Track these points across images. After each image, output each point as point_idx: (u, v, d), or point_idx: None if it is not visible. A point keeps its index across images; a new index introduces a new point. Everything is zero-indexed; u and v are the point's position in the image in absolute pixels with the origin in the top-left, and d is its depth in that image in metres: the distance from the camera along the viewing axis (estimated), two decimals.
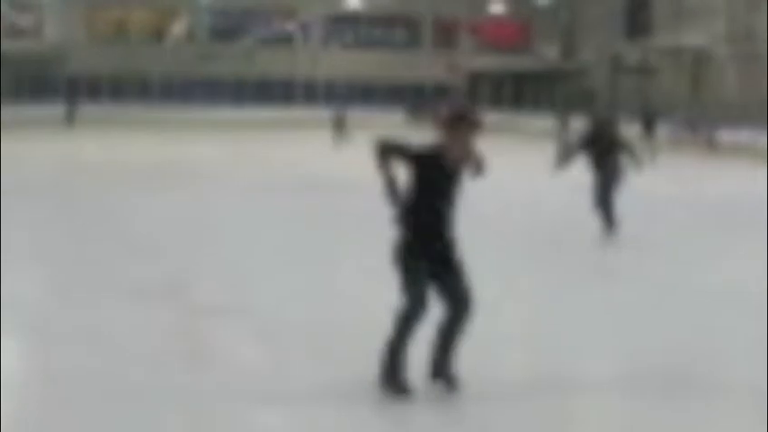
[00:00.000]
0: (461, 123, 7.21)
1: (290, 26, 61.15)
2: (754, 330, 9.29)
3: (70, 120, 48.60)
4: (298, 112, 55.25)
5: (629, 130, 34.33)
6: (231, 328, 9.68)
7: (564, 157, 16.30)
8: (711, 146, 38.68)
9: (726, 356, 8.83)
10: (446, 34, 62.79)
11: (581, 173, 15.98)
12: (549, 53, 62.13)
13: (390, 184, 7.20)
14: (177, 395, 7.50)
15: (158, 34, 59.26)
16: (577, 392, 7.85)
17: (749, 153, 34.94)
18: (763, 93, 40.23)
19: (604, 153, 15.33)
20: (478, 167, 7.31)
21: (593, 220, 15.28)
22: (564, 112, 44.12)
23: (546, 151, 28.12)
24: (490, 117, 41.34)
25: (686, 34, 47.90)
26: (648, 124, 34.18)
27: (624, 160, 15.65)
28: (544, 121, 47.59)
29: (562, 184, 18.61)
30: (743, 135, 37.62)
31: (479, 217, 14.72)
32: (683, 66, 48.78)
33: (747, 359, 8.54)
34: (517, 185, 23.47)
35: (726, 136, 38.52)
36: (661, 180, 25.14)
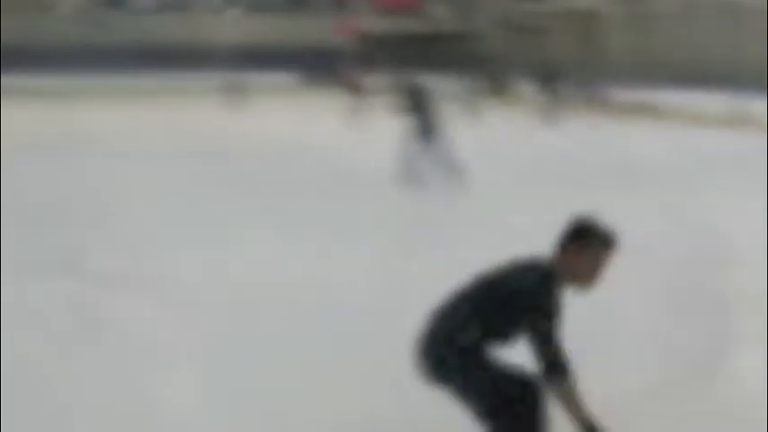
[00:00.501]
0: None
1: None
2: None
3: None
4: (192, 78, 54.57)
5: (527, 91, 34.88)
6: (131, 297, 9.62)
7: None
8: (604, 105, 39.18)
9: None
10: None
11: None
12: (442, 15, 62.14)
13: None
14: (75, 366, 7.46)
15: (51, 4, 58.04)
16: None
17: (641, 111, 35.78)
18: (655, 52, 40.83)
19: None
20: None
21: None
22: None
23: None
24: (386, 79, 41.66)
25: None
26: (549, 84, 34.45)
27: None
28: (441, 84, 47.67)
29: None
30: (635, 94, 38.23)
31: None
32: (576, 26, 49.14)
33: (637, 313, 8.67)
34: None
35: (618, 95, 39.23)
36: (560, 138, 25.63)
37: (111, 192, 17.01)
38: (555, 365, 4.96)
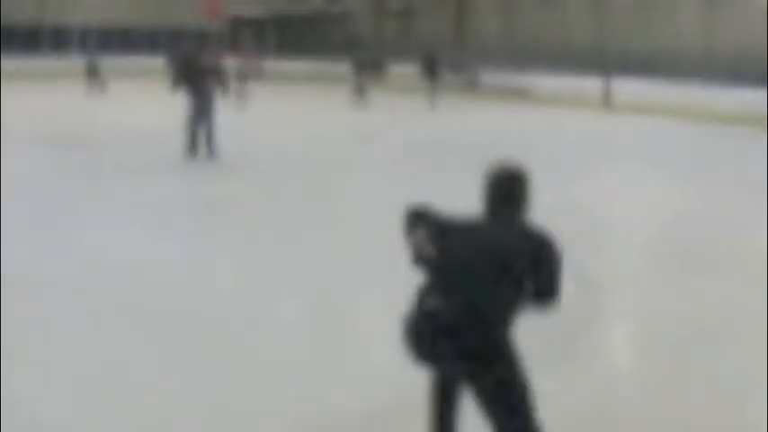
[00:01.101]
0: None
1: None
2: None
3: None
4: (47, 62, 52.85)
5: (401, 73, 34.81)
6: None
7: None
8: (474, 88, 39.27)
9: None
10: None
11: None
12: None
13: None
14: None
15: None
16: None
17: (509, 94, 36.31)
18: (524, 36, 41.14)
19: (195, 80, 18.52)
20: None
21: None
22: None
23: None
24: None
25: None
26: (430, 68, 34.30)
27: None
28: (308, 66, 47.44)
29: None
30: (504, 78, 38.51)
31: None
32: (447, 9, 49.09)
33: None
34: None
35: (487, 78, 39.46)
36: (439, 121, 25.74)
37: None
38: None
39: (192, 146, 18.30)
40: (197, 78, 18.48)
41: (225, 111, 20.34)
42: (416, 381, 5.33)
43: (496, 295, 4.81)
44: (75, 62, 43.08)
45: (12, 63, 47.73)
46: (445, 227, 5.03)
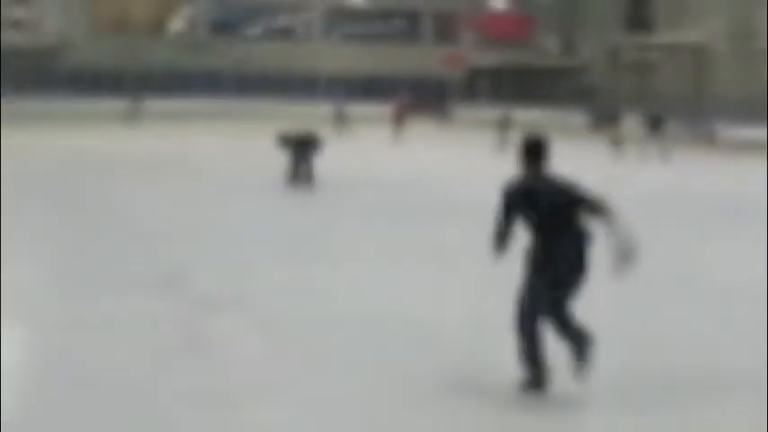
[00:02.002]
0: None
1: (292, 20, 61.08)
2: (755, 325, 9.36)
3: (134, 114, 47.66)
4: (297, 106, 55.22)
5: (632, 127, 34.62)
6: (230, 319, 9.69)
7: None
8: (711, 142, 38.72)
9: (731, 351, 8.83)
10: (446, 28, 62.72)
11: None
12: (549, 48, 62.11)
13: None
14: (176, 386, 7.52)
15: (159, 27, 59.19)
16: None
17: (749, 148, 35.04)
18: (763, 89, 40.33)
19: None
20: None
21: None
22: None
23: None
24: (490, 112, 41.59)
25: (686, 30, 47.92)
26: (656, 123, 34.07)
27: None
28: (544, 115, 47.60)
29: None
30: (743, 131, 37.68)
31: None
32: (683, 62, 48.72)
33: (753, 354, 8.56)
34: None
35: (726, 132, 38.61)
36: (670, 176, 25.42)
37: (217, 214, 17.27)
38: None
39: None
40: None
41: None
42: None
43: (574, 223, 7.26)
44: (323, 107, 44.95)
45: (264, 106, 50.40)
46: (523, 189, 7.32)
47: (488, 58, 60.95)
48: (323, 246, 14.18)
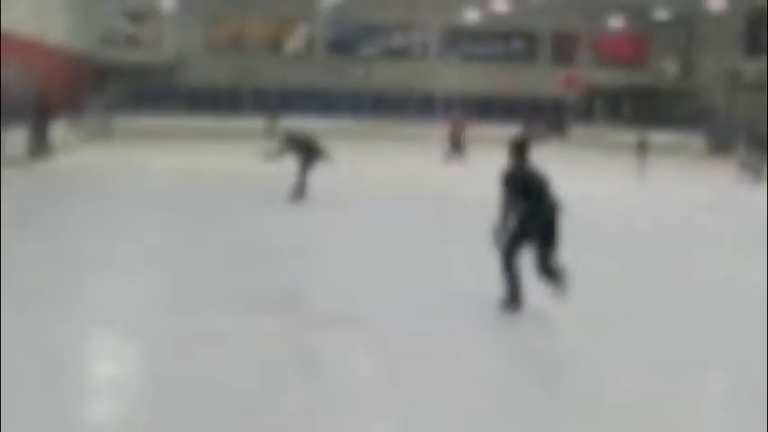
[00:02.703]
0: None
1: (408, 39, 61.30)
2: None
3: (271, 131, 48.07)
4: (414, 126, 55.59)
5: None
6: (343, 338, 9.72)
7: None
8: None
9: None
10: (564, 48, 62.39)
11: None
12: (667, 69, 61.51)
13: None
14: (288, 405, 7.55)
15: (276, 46, 59.84)
16: None
17: None
18: None
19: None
20: None
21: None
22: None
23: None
24: (607, 133, 41.06)
25: None
26: (757, 142, 33.32)
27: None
28: (663, 137, 47.16)
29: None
30: None
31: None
32: None
33: None
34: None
35: None
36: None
37: (325, 233, 17.40)
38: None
39: None
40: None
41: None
42: None
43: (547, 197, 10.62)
44: (439, 127, 45.07)
45: (379, 126, 50.87)
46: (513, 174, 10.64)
47: (605, 78, 60.58)
48: (436, 265, 14.16)
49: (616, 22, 59.70)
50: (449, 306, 11.20)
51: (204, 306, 10.89)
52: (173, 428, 6.95)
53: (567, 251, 11.56)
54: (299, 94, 57.00)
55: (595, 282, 12.54)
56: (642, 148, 34.49)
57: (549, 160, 19.22)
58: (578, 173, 32.27)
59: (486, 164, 20.85)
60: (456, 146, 36.12)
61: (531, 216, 10.49)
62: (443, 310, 10.98)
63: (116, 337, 9.75)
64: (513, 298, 10.65)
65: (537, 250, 10.60)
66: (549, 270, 10.61)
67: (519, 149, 10.71)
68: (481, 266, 13.71)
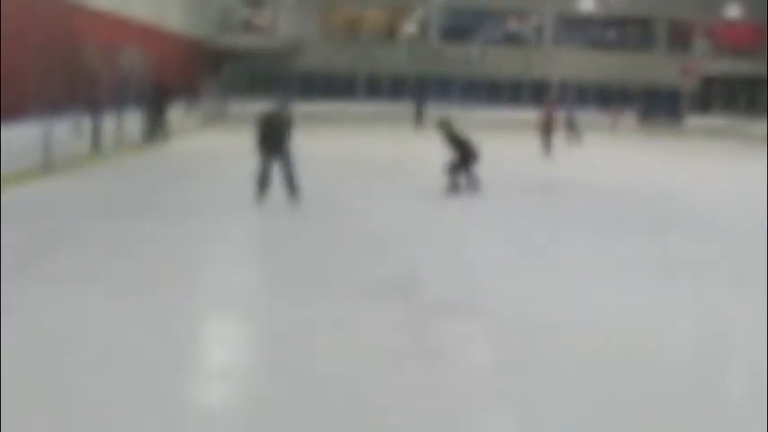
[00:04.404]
0: None
1: (523, 27, 60.98)
2: None
3: (419, 120, 48.86)
4: (528, 113, 55.33)
5: None
6: (461, 327, 9.66)
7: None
8: None
9: None
10: (680, 36, 61.51)
11: None
12: None
13: None
14: (405, 392, 7.51)
15: (390, 32, 59.95)
16: None
17: None
18: None
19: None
20: None
21: None
22: None
23: None
24: (721, 122, 40.49)
25: None
26: None
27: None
28: None
29: None
30: None
31: None
32: None
33: None
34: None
35: None
36: None
37: (445, 221, 17.43)
38: None
39: None
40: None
41: None
42: None
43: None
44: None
45: (497, 114, 50.85)
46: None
47: (721, 67, 59.63)
48: (552, 253, 14.07)
49: (733, 10, 58.71)
50: (568, 294, 11.11)
51: (319, 294, 10.89)
52: (288, 416, 6.95)
53: None
54: (412, 81, 57.08)
55: None
56: (570, 126, 36.30)
57: (659, 148, 18.83)
58: (674, 161, 31.83)
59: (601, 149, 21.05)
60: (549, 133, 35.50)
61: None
62: (564, 298, 10.89)
63: (232, 322, 9.85)
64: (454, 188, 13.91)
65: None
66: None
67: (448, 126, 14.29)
68: (601, 255, 13.65)
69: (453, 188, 20.40)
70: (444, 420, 6.94)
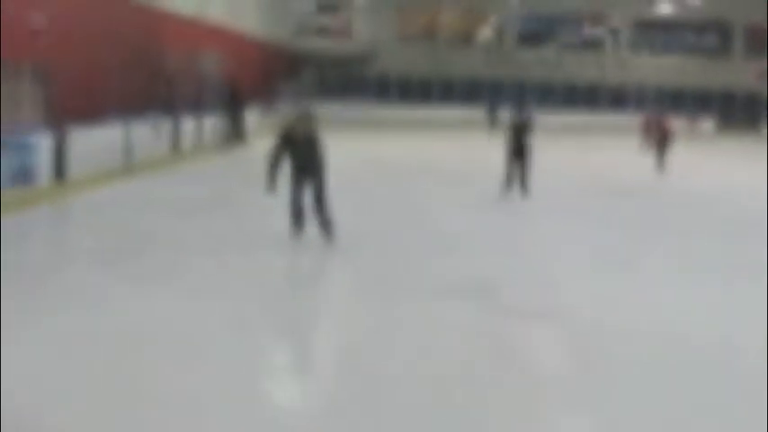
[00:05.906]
0: None
1: (599, 31, 60.64)
2: None
3: (492, 123, 48.88)
4: (605, 117, 55.08)
5: None
6: (539, 330, 9.66)
7: None
8: None
9: None
10: (758, 40, 60.76)
11: None
12: None
13: None
14: (479, 393, 7.55)
15: (466, 37, 59.92)
16: None
17: None
18: None
19: None
20: None
21: None
22: None
23: None
24: None
25: None
26: None
27: None
28: None
29: None
30: None
31: None
32: None
33: None
34: None
35: None
36: None
37: (525, 224, 17.48)
38: None
39: None
40: None
41: None
42: None
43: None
44: (631, 118, 44.59)
45: (575, 118, 50.67)
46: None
47: None
48: (625, 259, 14.01)
49: None
50: (644, 304, 11.04)
51: (395, 294, 10.96)
52: (365, 417, 6.99)
53: None
54: (488, 86, 56.99)
55: None
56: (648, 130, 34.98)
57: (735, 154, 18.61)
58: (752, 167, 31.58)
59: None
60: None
61: None
62: (642, 306, 10.84)
63: (307, 322, 9.98)
64: None
65: None
66: None
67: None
68: (680, 260, 13.59)
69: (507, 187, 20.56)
70: (517, 423, 6.99)
